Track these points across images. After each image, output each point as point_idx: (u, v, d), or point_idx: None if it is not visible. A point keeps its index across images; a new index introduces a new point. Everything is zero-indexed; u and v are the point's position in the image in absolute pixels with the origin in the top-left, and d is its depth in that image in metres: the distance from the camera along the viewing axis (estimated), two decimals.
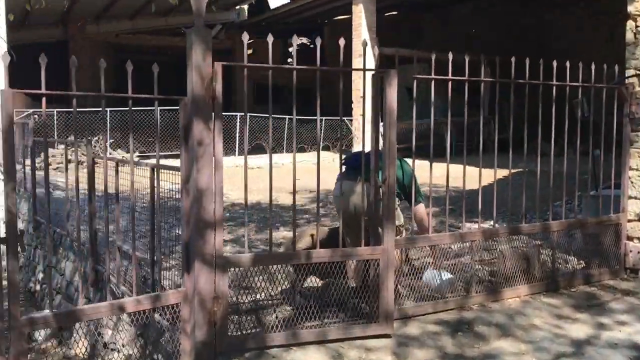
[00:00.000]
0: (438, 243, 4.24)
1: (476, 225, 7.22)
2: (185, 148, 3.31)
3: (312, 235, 4.74)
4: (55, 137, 13.91)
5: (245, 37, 3.42)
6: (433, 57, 4.09)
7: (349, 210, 4.29)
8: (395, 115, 3.66)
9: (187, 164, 3.30)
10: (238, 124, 16.33)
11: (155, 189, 3.49)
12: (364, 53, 3.72)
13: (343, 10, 18.76)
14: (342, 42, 3.61)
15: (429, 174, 4.28)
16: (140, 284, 4.45)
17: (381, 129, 3.76)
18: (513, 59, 4.42)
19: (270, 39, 3.50)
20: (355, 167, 4.10)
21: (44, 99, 3.16)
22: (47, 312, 2.94)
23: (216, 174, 3.30)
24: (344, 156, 4.20)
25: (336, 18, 22.31)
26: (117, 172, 4.23)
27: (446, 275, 4.45)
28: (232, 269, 3.47)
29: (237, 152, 15.90)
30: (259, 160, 13.85)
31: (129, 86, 3.36)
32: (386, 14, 21.07)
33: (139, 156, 14.91)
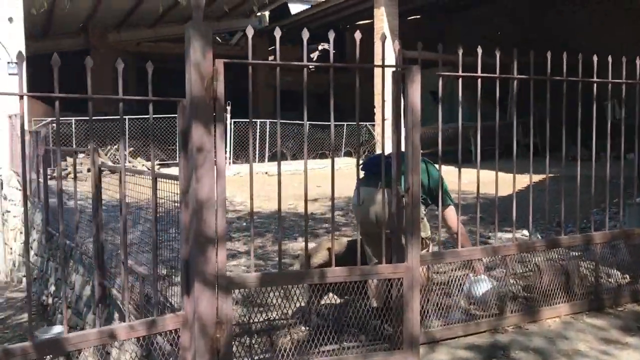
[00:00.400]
0: (469, 258, 3.82)
1: (509, 235, 6.82)
2: (184, 155, 2.97)
3: (329, 249, 4.37)
4: (74, 146, 13.76)
5: (250, 31, 3.08)
6: (460, 52, 3.70)
7: (370, 221, 3.91)
8: (419, 115, 3.28)
9: (186, 172, 2.96)
10: (259, 130, 16.04)
11: (156, 199, 3.16)
12: (382, 48, 3.34)
13: (366, 14, 18.41)
14: (358, 35, 3.24)
15: (458, 180, 3.87)
16: (144, 303, 4.14)
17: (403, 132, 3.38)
18: (549, 54, 4.01)
19: (275, 32, 3.15)
20: (376, 172, 3.71)
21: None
22: (27, 343, 2.60)
23: (218, 184, 2.95)
24: (361, 161, 3.82)
25: (358, 23, 21.98)
26: (120, 181, 3.93)
27: (489, 283, 4.05)
28: (237, 291, 3.11)
29: (257, 159, 15.62)
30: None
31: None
32: (409, 18, 20.65)
33: (159, 165, 14.72)
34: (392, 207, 3.40)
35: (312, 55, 25.83)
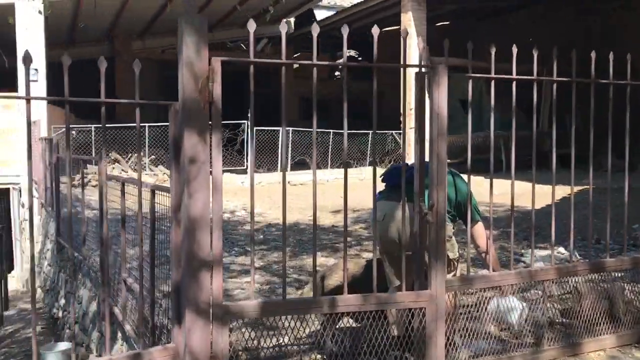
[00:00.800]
0: (501, 284, 3.38)
1: (544, 252, 6.31)
2: (176, 167, 2.61)
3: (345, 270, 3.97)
4: (93, 154, 13.62)
5: (252, 26, 2.71)
6: (493, 51, 3.28)
7: (390, 239, 3.50)
8: (446, 122, 2.87)
9: (178, 186, 2.60)
10: (281, 138, 15.69)
11: (154, 211, 2.82)
12: (403, 46, 2.93)
13: (393, 20, 18.00)
14: (376, 30, 2.86)
15: (489, 192, 3.45)
16: (142, 327, 3.79)
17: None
18: (593, 54, 3.57)
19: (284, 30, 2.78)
20: (398, 184, 3.29)
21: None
22: None
23: (214, 200, 2.59)
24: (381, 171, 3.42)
25: (386, 29, 21.59)
26: (122, 193, 3.60)
27: (519, 305, 3.62)
28: (235, 322, 2.73)
29: (279, 169, 15.28)
30: (302, 177, 13.19)
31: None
32: (437, 24, 20.18)
33: None
34: (415, 225, 2.99)
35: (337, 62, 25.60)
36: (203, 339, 2.57)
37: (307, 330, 3.76)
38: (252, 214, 2.80)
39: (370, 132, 16.14)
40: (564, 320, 4.13)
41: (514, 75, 3.32)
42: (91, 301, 5.85)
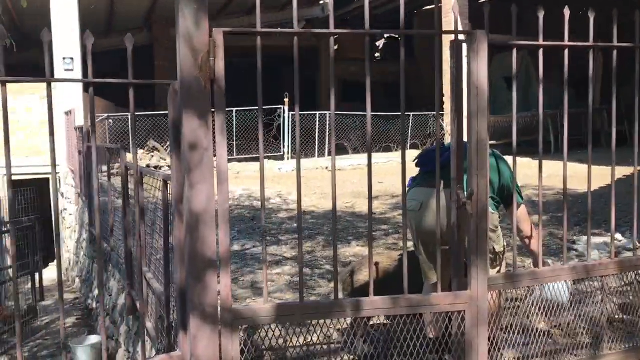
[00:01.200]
0: (552, 280, 2.97)
1: (597, 240, 5.81)
2: (177, 154, 2.32)
3: (377, 264, 3.63)
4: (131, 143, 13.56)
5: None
6: (541, 15, 2.84)
7: (429, 231, 3.14)
8: (486, 97, 2.48)
9: (179, 176, 2.31)
10: (318, 122, 15.36)
11: (166, 201, 2.54)
12: (438, 9, 2.54)
13: None
14: None
15: (538, 175, 3.03)
16: (160, 327, 3.56)
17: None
18: None
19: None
20: (433, 170, 2.92)
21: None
22: None
23: (219, 191, 2.28)
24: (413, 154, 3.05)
25: (426, 8, 20.88)
26: (139, 183, 3.36)
27: (564, 285, 3.25)
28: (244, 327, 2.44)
29: (316, 154, 14.94)
30: (340, 162, 12.83)
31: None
32: (480, 1, 19.37)
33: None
34: (453, 217, 2.62)
35: (377, 44, 24.99)
36: (210, 347, 2.28)
37: (337, 327, 3.46)
38: (262, 204, 2.48)
39: (412, 114, 15.64)
40: (624, 317, 3.71)
41: (566, 42, 2.89)
42: (120, 294, 5.70)
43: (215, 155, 2.25)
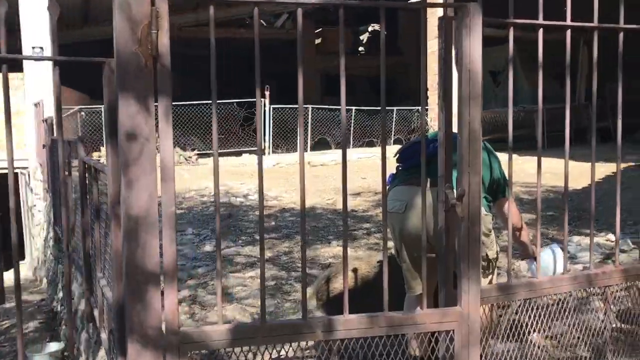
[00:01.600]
0: (551, 292, 2.64)
1: (595, 240, 5.54)
2: (112, 145, 1.94)
3: (355, 270, 3.28)
4: (104, 137, 13.12)
5: None
6: None
7: (414, 235, 2.80)
8: (480, 81, 2.14)
9: (114, 172, 1.93)
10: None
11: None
12: None
13: None
14: None
15: (537, 171, 2.69)
16: (114, 339, 3.17)
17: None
18: None
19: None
20: (418, 164, 2.56)
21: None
22: None
23: (164, 190, 1.91)
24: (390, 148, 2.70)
25: (411, 0, 20.60)
26: (95, 180, 2.98)
27: (550, 252, 3.05)
28: (194, 353, 2.07)
29: (298, 149, 14.52)
30: (322, 157, 12.47)
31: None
32: None
33: (197, 155, 13.92)
34: (440, 220, 2.27)
35: (361, 37, 24.64)
36: None
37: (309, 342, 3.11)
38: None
39: (395, 108, 15.31)
40: (622, 326, 3.41)
41: (568, 22, 2.55)
42: (81, 298, 5.30)
43: (158, 148, 1.87)
